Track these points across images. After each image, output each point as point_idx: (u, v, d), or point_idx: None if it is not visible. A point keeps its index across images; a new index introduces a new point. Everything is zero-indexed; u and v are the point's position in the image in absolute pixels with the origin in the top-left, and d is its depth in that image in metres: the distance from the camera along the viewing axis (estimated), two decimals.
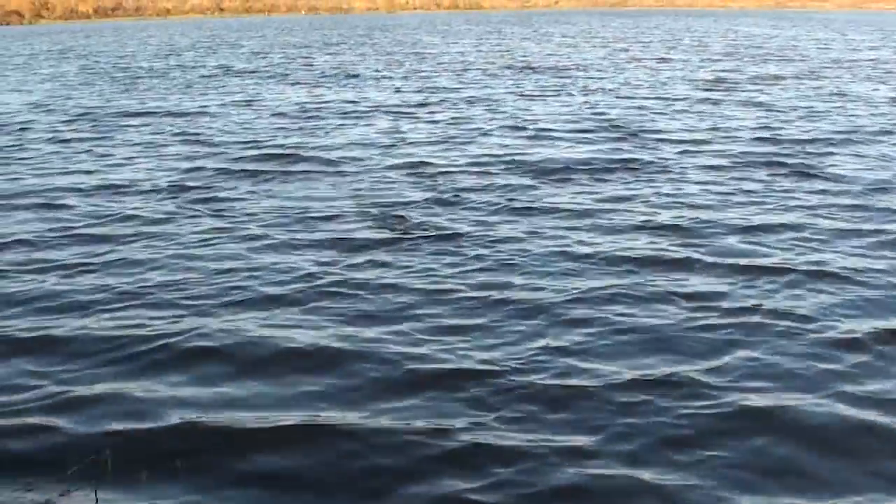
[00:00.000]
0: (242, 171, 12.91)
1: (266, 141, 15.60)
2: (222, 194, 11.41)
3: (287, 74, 30.36)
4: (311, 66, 34.32)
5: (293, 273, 8.05)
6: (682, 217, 9.86)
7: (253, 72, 31.80)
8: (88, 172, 13.19)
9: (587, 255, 8.44)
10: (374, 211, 10.29)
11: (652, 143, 14.62)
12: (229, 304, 7.32)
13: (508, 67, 31.25)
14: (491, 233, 9.29)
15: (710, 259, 8.29)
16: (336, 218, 10.05)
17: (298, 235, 9.34)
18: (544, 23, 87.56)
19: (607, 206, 10.47)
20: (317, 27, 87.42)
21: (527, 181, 11.88)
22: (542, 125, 16.90)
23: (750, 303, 7.19)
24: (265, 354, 6.32)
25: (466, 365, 6.06)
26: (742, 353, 6.23)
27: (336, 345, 6.42)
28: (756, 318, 6.84)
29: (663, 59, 34.04)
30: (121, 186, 12.03)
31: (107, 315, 7.13)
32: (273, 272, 8.09)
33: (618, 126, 16.51)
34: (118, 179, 12.51)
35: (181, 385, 5.91)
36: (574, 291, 7.45)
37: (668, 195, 10.95)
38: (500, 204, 10.57)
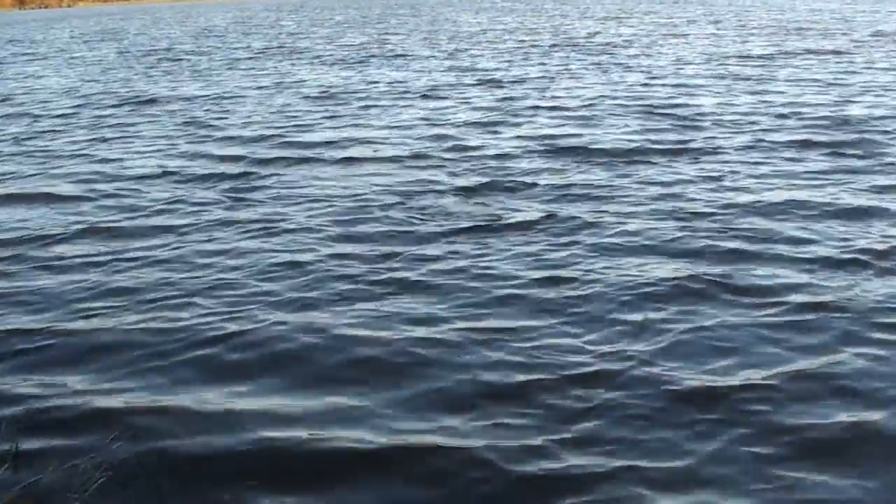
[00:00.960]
0: (278, 159, 12.41)
1: (303, 127, 15.14)
2: (258, 185, 10.92)
3: (324, 56, 29.94)
4: (349, 46, 33.88)
5: (339, 273, 7.46)
6: (740, 206, 9.18)
7: (290, 53, 31.41)
8: (117, 161, 12.83)
9: (646, 248, 7.87)
10: (416, 200, 9.76)
11: (703, 125, 13.89)
12: (273, 307, 6.76)
13: (551, 46, 30.53)
14: (541, 223, 8.72)
15: (769, 257, 7.65)
16: (380, 209, 9.45)
17: (340, 232, 8.72)
18: None
19: (661, 194, 9.81)
20: (354, 6, 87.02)
21: (575, 166, 11.28)
22: (588, 106, 16.24)
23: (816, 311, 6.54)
24: (322, 363, 5.81)
25: (535, 374, 5.52)
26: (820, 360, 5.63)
27: (395, 352, 5.89)
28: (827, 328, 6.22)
29: (708, 35, 33.10)
30: (151, 177, 11.64)
31: (136, 317, 6.67)
32: (319, 272, 7.50)
33: (666, 106, 15.80)
34: (148, 169, 12.11)
35: (230, 396, 5.41)
36: (634, 289, 6.88)
37: (722, 183, 10.25)
38: (548, 194, 9.94)
